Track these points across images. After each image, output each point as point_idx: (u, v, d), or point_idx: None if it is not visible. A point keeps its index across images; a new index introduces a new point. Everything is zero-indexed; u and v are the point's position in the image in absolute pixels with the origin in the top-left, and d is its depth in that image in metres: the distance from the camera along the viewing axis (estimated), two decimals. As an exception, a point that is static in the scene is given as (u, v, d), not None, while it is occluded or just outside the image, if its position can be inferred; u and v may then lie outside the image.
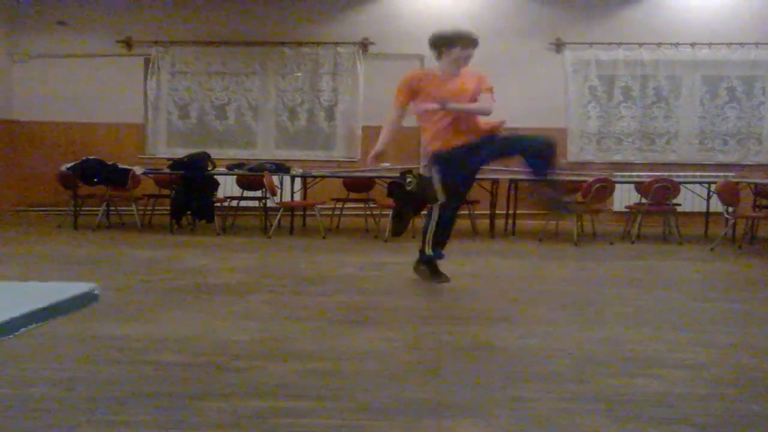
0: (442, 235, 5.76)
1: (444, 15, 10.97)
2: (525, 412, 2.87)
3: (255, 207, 9.88)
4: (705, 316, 4.78)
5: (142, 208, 9.91)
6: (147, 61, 11.40)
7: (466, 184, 5.89)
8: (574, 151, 10.97)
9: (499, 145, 5.58)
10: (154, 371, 3.33)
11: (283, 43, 11.21)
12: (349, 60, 11.16)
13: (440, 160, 5.51)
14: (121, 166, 9.51)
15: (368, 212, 9.98)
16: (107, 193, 9.49)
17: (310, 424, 2.73)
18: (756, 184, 9.05)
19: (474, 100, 5.46)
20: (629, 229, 9.25)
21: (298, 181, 9.80)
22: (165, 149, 11.36)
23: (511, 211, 9.37)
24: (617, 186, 9.25)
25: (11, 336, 1.41)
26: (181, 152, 10.22)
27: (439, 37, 5.50)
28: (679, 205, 9.32)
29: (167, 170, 9.35)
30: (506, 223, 9.54)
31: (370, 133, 11.16)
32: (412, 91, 5.48)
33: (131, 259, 6.97)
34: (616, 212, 10.46)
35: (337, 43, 11.14)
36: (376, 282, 5.83)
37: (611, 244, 8.51)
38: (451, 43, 5.44)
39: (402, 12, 11.09)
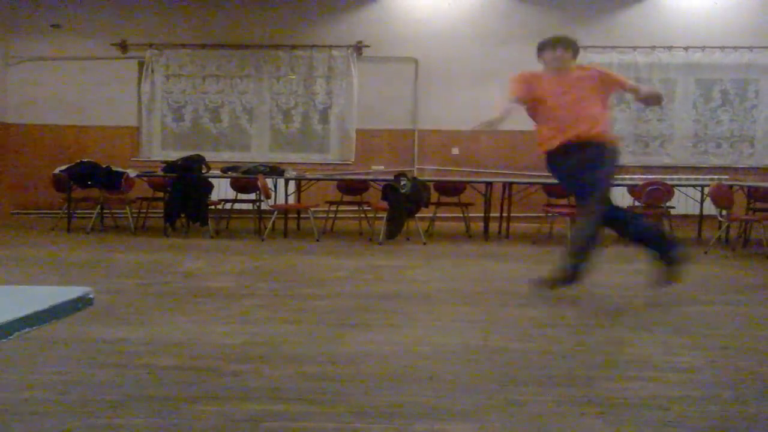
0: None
1: (438, 18, 11.00)
2: (520, 416, 2.87)
3: (249, 210, 9.88)
4: (699, 318, 4.79)
5: (136, 211, 9.90)
6: (141, 64, 11.39)
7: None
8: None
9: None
10: (148, 375, 3.32)
11: (277, 46, 11.21)
12: (343, 63, 11.16)
13: None
14: (115, 168, 9.49)
15: (362, 215, 9.97)
16: (101, 196, 9.47)
17: (305, 427, 2.73)
18: (749, 187, 9.07)
19: (582, 97, 5.37)
20: (623, 232, 9.24)
21: (292, 183, 9.79)
22: (159, 152, 11.35)
23: (504, 214, 9.37)
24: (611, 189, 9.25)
25: (5, 340, 1.40)
26: (175, 155, 10.22)
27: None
28: (673, 207, 9.35)
29: (161, 173, 9.34)
30: (500, 225, 9.55)
31: (364, 135, 11.20)
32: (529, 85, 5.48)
33: (125, 263, 6.95)
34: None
35: (331, 46, 11.15)
36: (370, 285, 5.82)
37: (605, 246, 8.51)
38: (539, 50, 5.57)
39: (396, 15, 11.10)
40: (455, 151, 11.20)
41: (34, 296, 1.64)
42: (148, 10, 11.35)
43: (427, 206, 8.98)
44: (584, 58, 10.90)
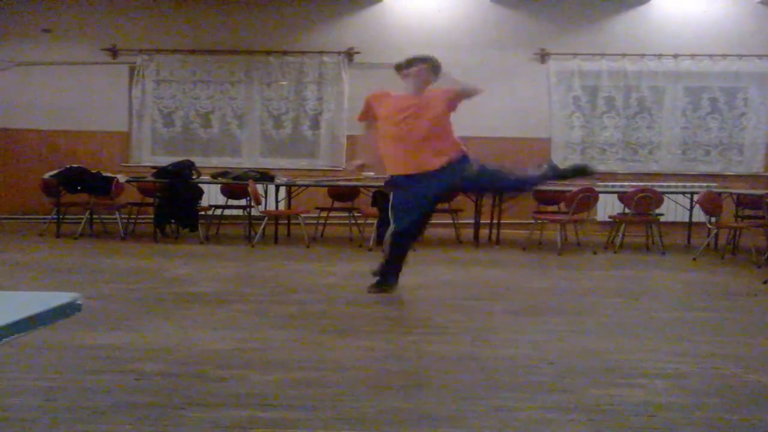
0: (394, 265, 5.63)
1: (429, 25, 11.02)
2: (507, 422, 2.88)
3: (239, 215, 9.86)
4: (687, 325, 4.81)
5: (126, 216, 9.87)
6: (132, 69, 11.36)
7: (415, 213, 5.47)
8: (557, 161, 11.00)
9: (463, 176, 5.34)
10: (135, 381, 3.32)
11: (268, 52, 11.21)
12: (334, 69, 11.17)
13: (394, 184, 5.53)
14: (104, 174, 9.46)
15: (352, 221, 9.98)
16: (90, 202, 9.44)
17: (293, 434, 2.73)
18: (738, 194, 9.12)
19: (434, 117, 5.32)
20: (612, 239, 9.29)
21: (282, 189, 9.78)
22: (149, 157, 11.32)
23: (495, 221, 9.39)
24: (600, 196, 9.30)
25: (-8, 346, 1.40)
26: (165, 160, 10.19)
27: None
28: (662, 215, 9.37)
29: (151, 178, 9.32)
30: (490, 232, 9.55)
31: (355, 141, 11.21)
32: (370, 108, 5.60)
33: (114, 268, 6.93)
34: (599, 222, 10.52)
35: (322, 52, 11.15)
36: (360, 291, 5.82)
37: (594, 253, 8.54)
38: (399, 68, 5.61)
39: (387, 22, 11.12)
40: (445, 157, 11.20)
41: (21, 302, 1.63)
42: (138, 15, 11.32)
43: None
44: (574, 65, 10.98)
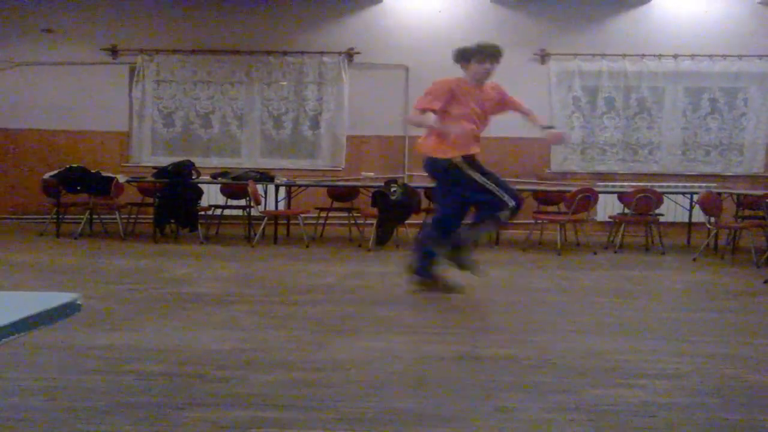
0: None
1: (429, 25, 11.02)
2: (508, 423, 2.88)
3: (239, 216, 9.86)
4: (687, 326, 4.81)
5: (125, 216, 9.87)
6: (132, 69, 11.36)
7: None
8: (557, 161, 11.02)
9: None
10: (135, 381, 3.31)
11: (268, 52, 11.21)
12: (334, 69, 11.17)
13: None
14: (104, 174, 9.47)
15: (352, 221, 9.98)
16: (90, 202, 9.44)
17: (293, 434, 2.73)
18: (738, 195, 9.12)
19: (493, 110, 5.66)
20: (612, 239, 9.29)
21: (282, 189, 9.79)
22: (149, 157, 11.32)
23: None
24: (600, 196, 9.30)
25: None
26: (165, 160, 10.19)
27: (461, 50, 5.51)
28: (662, 215, 9.38)
29: (151, 178, 9.32)
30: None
31: (355, 142, 11.21)
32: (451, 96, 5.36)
33: (113, 268, 6.93)
34: (599, 222, 10.52)
35: (322, 53, 11.15)
36: (360, 291, 5.82)
37: (594, 253, 8.54)
38: (469, 57, 5.48)
39: (388, 22, 11.13)
40: (445, 157, 11.19)
41: (22, 302, 1.63)
42: (139, 16, 11.32)
43: (417, 213, 8.99)
44: (574, 66, 10.98)
